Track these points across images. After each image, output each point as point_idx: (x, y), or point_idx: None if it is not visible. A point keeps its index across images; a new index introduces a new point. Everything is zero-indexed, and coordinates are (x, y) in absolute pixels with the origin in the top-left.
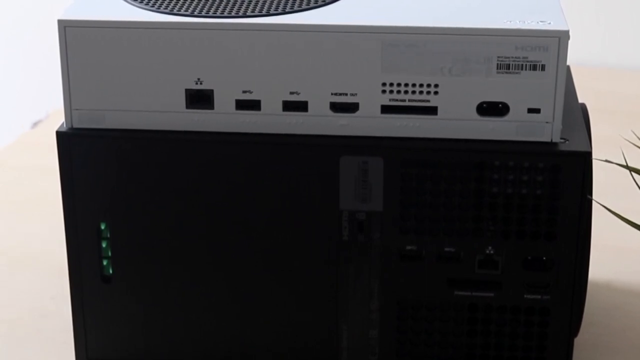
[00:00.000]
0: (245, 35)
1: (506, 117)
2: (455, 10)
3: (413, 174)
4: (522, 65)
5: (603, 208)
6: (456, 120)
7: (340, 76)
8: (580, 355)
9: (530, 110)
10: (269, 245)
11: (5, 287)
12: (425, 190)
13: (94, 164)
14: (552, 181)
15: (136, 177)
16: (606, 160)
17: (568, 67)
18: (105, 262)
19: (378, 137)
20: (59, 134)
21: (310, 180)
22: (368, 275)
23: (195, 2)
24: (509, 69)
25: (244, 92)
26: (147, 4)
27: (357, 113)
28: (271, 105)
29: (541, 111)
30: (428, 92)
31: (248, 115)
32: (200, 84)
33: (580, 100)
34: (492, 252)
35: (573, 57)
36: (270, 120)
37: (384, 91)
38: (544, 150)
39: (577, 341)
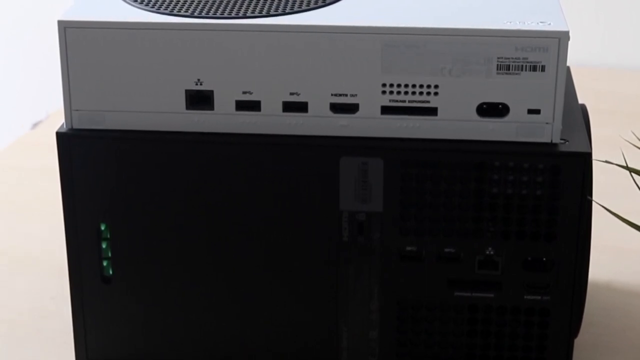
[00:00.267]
0: (245, 36)
1: (506, 118)
2: (455, 11)
3: (413, 175)
4: (522, 66)
5: (603, 209)
6: (456, 121)
7: (340, 77)
8: (580, 355)
9: (530, 111)
10: (269, 246)
11: (5, 288)
12: (425, 190)
13: (94, 164)
14: (552, 182)
15: (136, 177)
16: (606, 161)
17: (568, 68)
18: (105, 263)
19: (378, 138)
20: (59, 135)
21: (310, 181)
22: (368, 276)
23: (195, 3)
24: (509, 69)
25: (244, 92)
26: (147, 4)
27: (357, 114)
28: (271, 106)
29: (541, 112)
30: (428, 93)
31: (248, 116)
32: (200, 84)
33: (580, 101)
34: (492, 252)
35: (573, 58)
36: (270, 121)
37: (384, 92)
38: (544, 151)
39: (577, 342)
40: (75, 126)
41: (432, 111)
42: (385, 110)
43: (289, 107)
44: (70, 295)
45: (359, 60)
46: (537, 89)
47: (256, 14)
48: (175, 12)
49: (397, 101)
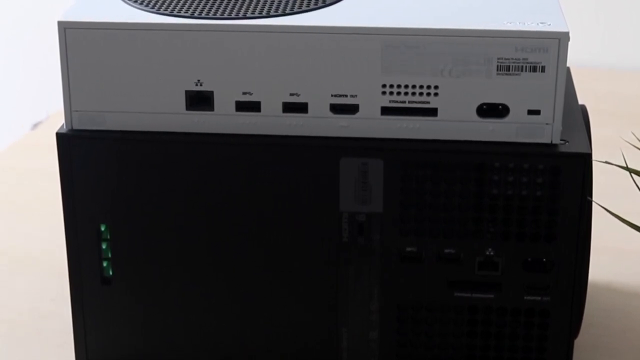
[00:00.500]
0: (245, 37)
1: (506, 119)
2: (455, 12)
3: (413, 176)
4: (522, 66)
5: (603, 209)
6: (456, 121)
7: (340, 77)
8: (580, 356)
9: (530, 112)
10: (269, 247)
11: (6, 288)
12: (425, 191)
13: (94, 165)
14: (552, 182)
15: (136, 178)
16: (606, 162)
17: (568, 69)
18: (105, 264)
19: (378, 139)
20: (59, 136)
21: (310, 181)
22: (368, 277)
23: (195, 4)
24: (509, 70)
25: (244, 93)
26: (147, 5)
27: (357, 114)
28: (271, 106)
29: (541, 113)
30: (428, 94)
31: (248, 117)
32: (200, 85)
33: (580, 102)
34: (492, 253)
35: (573, 58)
36: (270, 121)
37: (384, 92)
38: (544, 151)
39: (577, 342)
40: (76, 127)
41: (432, 112)
42: (385, 110)
43: (289, 107)
44: (70, 296)
45: (359, 60)
46: (537, 90)
47: (256, 14)
48: (175, 12)
49: (397, 102)
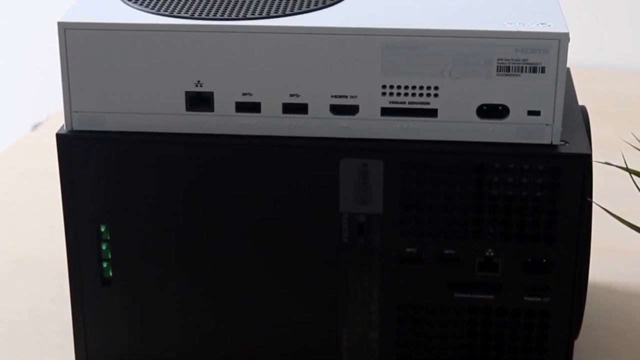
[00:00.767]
0: (245, 38)
1: (506, 120)
2: (455, 13)
3: (413, 177)
4: (522, 67)
5: (603, 210)
6: (456, 122)
7: (340, 78)
8: (580, 357)
9: (530, 113)
10: (269, 248)
11: (6, 289)
12: (425, 192)
13: (94, 166)
14: (552, 183)
15: (136, 179)
16: (606, 163)
17: (568, 70)
18: (105, 265)
19: (378, 140)
20: (59, 137)
21: (310, 182)
22: (368, 278)
23: (195, 5)
24: (509, 71)
25: (244, 94)
26: (147, 6)
27: (357, 115)
28: (271, 107)
29: (541, 113)
30: (428, 95)
31: (248, 118)
32: (200, 86)
33: (580, 102)
34: (492, 254)
35: (573, 59)
36: (270, 122)
37: (384, 93)
38: (544, 152)
39: (577, 343)
40: (76, 128)
41: (432, 113)
42: (385, 111)
43: (289, 108)
44: (70, 297)
45: (359, 61)
46: (537, 91)
47: (256, 15)
48: (175, 13)
49: (397, 103)
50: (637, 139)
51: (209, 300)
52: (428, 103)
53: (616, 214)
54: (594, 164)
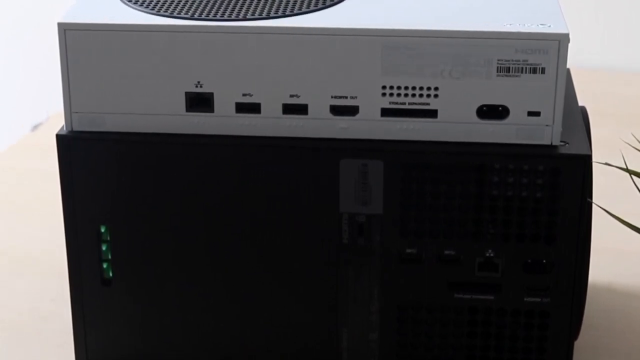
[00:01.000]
0: (245, 38)
1: (506, 120)
2: (455, 13)
3: (413, 177)
4: (522, 68)
5: (603, 211)
6: (456, 123)
7: (340, 79)
8: (580, 357)
9: (530, 113)
10: (269, 248)
11: (6, 289)
12: (425, 193)
13: (94, 167)
14: (552, 184)
15: (136, 180)
16: (606, 163)
17: (568, 70)
18: (105, 265)
19: (378, 140)
20: (59, 137)
21: (310, 183)
22: (368, 278)
23: (195, 5)
24: (509, 71)
25: (244, 95)
26: (147, 6)
27: (357, 116)
28: (271, 108)
29: (541, 114)
30: (428, 95)
31: (248, 118)
32: (200, 87)
33: (580, 103)
34: (492, 254)
35: (573, 60)
36: (270, 123)
37: (384, 94)
38: (544, 153)
39: (577, 344)
40: (75, 128)
41: (432, 113)
42: (385, 112)
43: (289, 109)
44: (70, 297)
45: (358, 62)
46: (537, 91)
47: (256, 16)
48: (175, 14)
49: (397, 103)
50: (637, 140)
51: (209, 301)
52: (428, 104)
53: (616, 214)
54: (593, 164)
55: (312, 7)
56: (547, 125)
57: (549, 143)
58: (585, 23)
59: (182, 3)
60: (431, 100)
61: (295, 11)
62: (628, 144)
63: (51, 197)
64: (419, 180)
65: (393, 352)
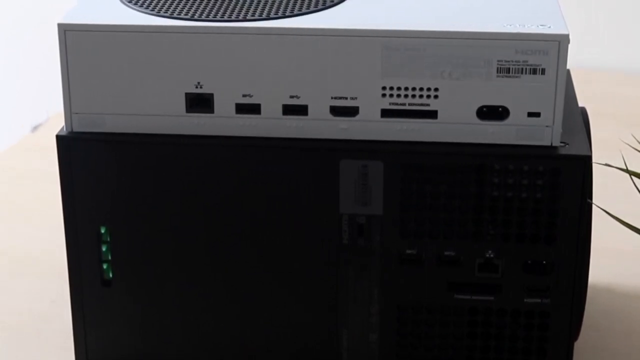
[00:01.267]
0: (245, 39)
1: (506, 121)
2: (455, 14)
3: (413, 178)
4: (522, 69)
5: (603, 211)
6: (456, 124)
7: (340, 80)
8: (580, 358)
9: (530, 114)
10: (269, 249)
11: (6, 290)
12: (425, 193)
13: (94, 167)
14: (552, 185)
15: (136, 180)
16: (606, 164)
17: (568, 71)
18: (105, 266)
19: (378, 141)
20: (59, 138)
21: (310, 183)
22: (368, 279)
23: (195, 6)
24: (509, 72)
25: (244, 95)
26: (147, 7)
27: (357, 117)
28: (271, 108)
29: (541, 115)
30: (428, 96)
31: (248, 119)
32: (200, 87)
33: (580, 104)
34: (492, 255)
35: (573, 61)
36: (270, 124)
37: (384, 95)
38: (544, 153)
39: (577, 344)
40: (76, 129)
41: (432, 114)
42: (385, 113)
43: (289, 110)
44: (70, 298)
45: (359, 63)
46: (537, 92)
47: (256, 16)
48: (175, 15)
49: (397, 104)
50: (637, 141)
51: (209, 301)
52: (428, 104)
53: (616, 215)
54: (593, 165)
55: (312, 8)
56: (547, 126)
57: (549, 144)
58: (585, 24)
59: (182, 4)
60: (431, 101)
61: (295, 12)
62: (628, 144)
63: (51, 198)
64: (419, 181)
65: (393, 353)
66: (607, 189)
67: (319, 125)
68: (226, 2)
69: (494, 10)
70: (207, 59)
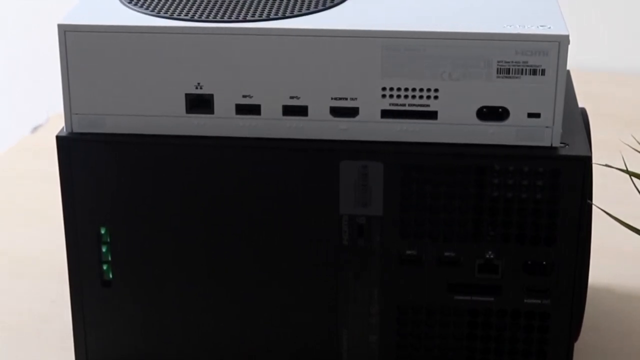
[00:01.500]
0: (245, 40)
1: (506, 122)
2: (455, 15)
3: (413, 179)
4: (522, 69)
5: (603, 212)
6: (456, 124)
7: (340, 81)
8: (580, 359)
9: (530, 115)
10: (269, 250)
11: (6, 291)
12: (425, 194)
13: (94, 168)
14: (552, 185)
15: (136, 181)
16: (606, 165)
17: (568, 72)
18: (105, 267)
19: (378, 142)
20: (59, 139)
21: (310, 184)
22: (368, 280)
23: (195, 7)
24: (509, 73)
25: (244, 96)
26: (147, 8)
27: (357, 117)
28: (271, 109)
29: (541, 116)
30: (428, 97)
31: (248, 120)
32: (200, 88)
33: (580, 105)
34: (492, 256)
35: (573, 61)
36: (270, 124)
37: (383, 96)
38: (544, 154)
39: (577, 345)
40: (76, 130)
41: (432, 115)
42: (385, 114)
43: (289, 110)
44: (70, 299)
45: (359, 64)
46: (537, 93)
47: (256, 17)
48: (175, 16)
49: (397, 105)
50: (637, 141)
51: (209, 302)
52: (428, 105)
53: (616, 215)
54: (593, 166)
55: (312, 9)
56: (547, 127)
57: (549, 144)
58: (585, 24)
59: (182, 5)
60: (431, 101)
61: (295, 13)
62: (628, 145)
63: (51, 199)
64: (419, 182)
65: (393, 354)
66: (607, 189)
67: (319, 125)
68: (226, 3)
69: (494, 11)
70: (207, 59)
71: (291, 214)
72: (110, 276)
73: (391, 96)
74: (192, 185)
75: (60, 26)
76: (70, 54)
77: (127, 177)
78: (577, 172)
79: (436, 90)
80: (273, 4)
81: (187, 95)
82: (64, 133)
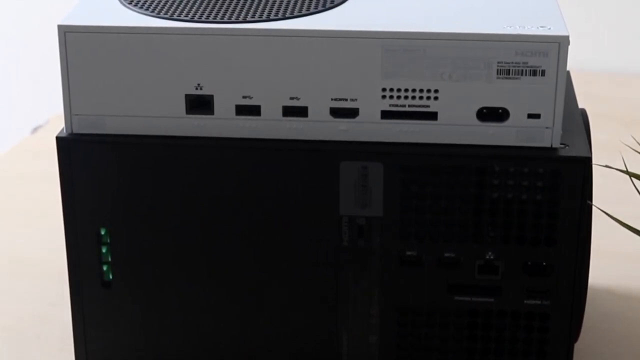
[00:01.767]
0: (245, 41)
1: (506, 123)
2: (455, 16)
3: (413, 179)
4: (522, 70)
5: (603, 213)
6: (456, 125)
7: (340, 81)
8: None
9: (530, 116)
10: (269, 250)
11: (6, 291)
12: (425, 195)
13: (94, 169)
14: (552, 186)
15: (136, 182)
16: (606, 166)
17: (568, 73)
18: (105, 268)
19: (378, 143)
20: (59, 139)
21: (310, 185)
22: (368, 281)
23: (195, 8)
24: (509, 74)
25: (244, 97)
26: (147, 9)
27: (357, 118)
28: (271, 110)
29: (541, 116)
30: (428, 98)
31: (248, 121)
32: (200, 89)
33: (580, 105)
34: (492, 257)
35: (573, 62)
36: (270, 125)
37: (384, 96)
38: (544, 155)
39: (577, 346)
40: (76, 131)
41: (432, 116)
42: (385, 114)
43: (289, 111)
44: (70, 300)
45: (359, 64)
46: (537, 94)
47: (256, 18)
48: (175, 16)
49: (397, 106)
50: (637, 142)
51: (209, 302)
52: (428, 106)
53: (616, 216)
54: (594, 166)
55: (312, 10)
56: (547, 128)
57: (549, 145)
58: (585, 25)
59: (182, 5)
60: (431, 102)
61: (295, 13)
62: (628, 146)
63: (51, 199)
64: (419, 183)
65: (393, 355)
66: (607, 190)
67: (319, 126)
68: (226, 4)
69: (493, 12)
70: (207, 60)
71: (291, 214)
72: (110, 277)
73: (391, 97)
74: (192, 186)
75: (60, 27)
76: (70, 55)
77: (127, 178)
78: (577, 173)
79: (436, 91)
80: (273, 4)
81: (187, 96)
82: (64, 134)
